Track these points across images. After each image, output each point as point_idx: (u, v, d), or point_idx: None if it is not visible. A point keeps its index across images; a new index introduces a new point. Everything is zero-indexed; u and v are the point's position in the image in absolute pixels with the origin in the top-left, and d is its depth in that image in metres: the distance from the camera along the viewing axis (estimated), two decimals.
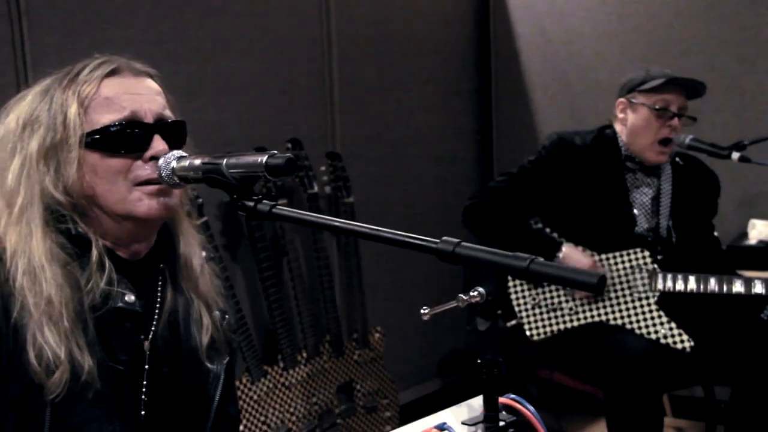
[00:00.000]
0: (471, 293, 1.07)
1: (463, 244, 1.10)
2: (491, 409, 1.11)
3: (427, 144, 4.07)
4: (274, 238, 3.20)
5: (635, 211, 2.92)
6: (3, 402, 1.32)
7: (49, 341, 1.30)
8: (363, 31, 3.72)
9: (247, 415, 2.90)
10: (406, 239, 1.15)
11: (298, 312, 3.20)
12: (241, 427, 2.87)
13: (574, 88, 4.10)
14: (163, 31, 2.89)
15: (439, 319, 3.92)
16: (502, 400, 1.15)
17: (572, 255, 2.83)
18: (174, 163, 1.36)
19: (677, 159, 3.00)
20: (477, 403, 1.17)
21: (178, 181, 1.36)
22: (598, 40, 4.03)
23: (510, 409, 1.16)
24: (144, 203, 1.38)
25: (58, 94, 1.39)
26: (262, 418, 2.95)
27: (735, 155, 2.87)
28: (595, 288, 1.01)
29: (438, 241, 1.12)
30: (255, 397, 2.94)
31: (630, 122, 2.91)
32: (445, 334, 4.10)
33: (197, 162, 1.33)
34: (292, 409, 3.06)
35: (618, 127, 2.96)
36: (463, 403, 1.19)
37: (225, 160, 1.29)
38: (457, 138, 4.30)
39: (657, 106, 2.84)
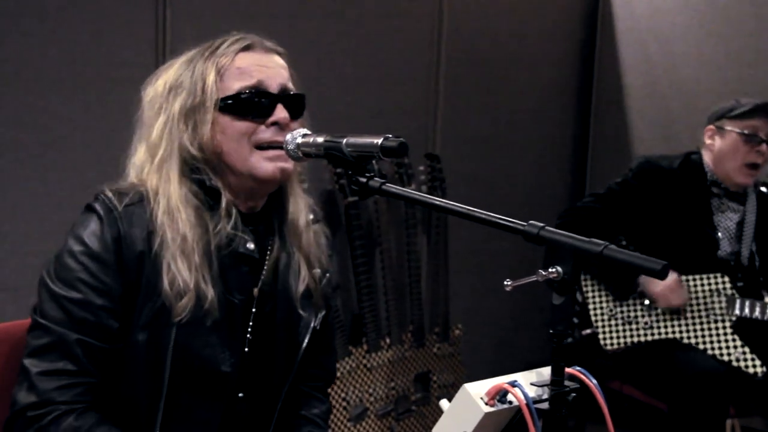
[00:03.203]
0: (549, 270, 1.22)
1: (547, 228, 1.26)
2: (558, 375, 1.26)
3: (523, 154, 4.19)
4: (370, 228, 3.38)
5: (719, 234, 2.99)
6: (138, 321, 1.54)
7: (181, 271, 1.52)
8: (472, 40, 3.87)
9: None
10: (498, 220, 1.30)
11: (386, 301, 3.39)
12: None
13: (672, 114, 4.15)
14: (282, 30, 3.11)
15: (519, 325, 4.04)
16: (568, 370, 1.29)
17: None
18: (299, 139, 1.54)
19: (762, 188, 3.06)
20: (546, 371, 1.31)
21: (301, 155, 1.55)
22: (700, 68, 4.08)
23: (574, 379, 1.30)
24: (263, 165, 1.58)
25: (199, 64, 1.61)
26: (343, 395, 3.14)
27: None
28: (659, 273, 1.15)
29: (526, 224, 1.28)
30: (338, 374, 3.13)
31: (717, 148, 2.99)
32: (523, 341, 4.22)
33: (320, 139, 1.51)
34: (371, 390, 3.24)
35: (705, 153, 3.04)
36: (534, 370, 1.34)
37: (345, 140, 1.47)
38: (553, 152, 4.41)
39: (746, 132, 2.92)
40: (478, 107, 3.94)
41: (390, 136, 1.42)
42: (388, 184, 1.43)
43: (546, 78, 4.29)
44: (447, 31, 3.72)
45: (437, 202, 1.39)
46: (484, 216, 1.32)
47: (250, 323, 1.65)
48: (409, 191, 1.43)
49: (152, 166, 1.58)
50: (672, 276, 2.91)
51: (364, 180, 1.44)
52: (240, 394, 1.64)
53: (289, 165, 1.60)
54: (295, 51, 3.17)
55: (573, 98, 4.47)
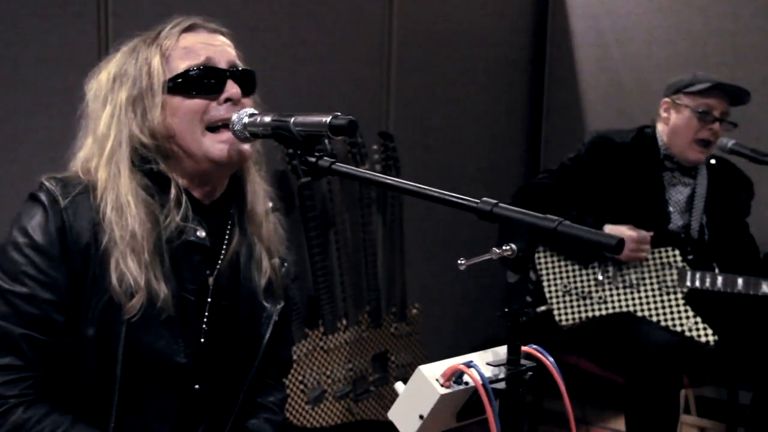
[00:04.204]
0: (504, 247, 1.20)
1: (501, 204, 1.24)
2: (514, 354, 1.24)
3: (477, 131, 4.19)
4: (324, 209, 3.35)
5: (670, 208, 3.02)
6: (86, 315, 1.50)
7: (131, 269, 1.48)
8: (424, 16, 3.84)
9: None
10: (451, 198, 1.28)
11: (341, 282, 3.36)
12: None
13: (625, 88, 4.18)
14: (233, 9, 3.05)
15: (476, 303, 4.05)
16: (524, 348, 1.28)
17: (615, 229, 2.92)
18: (246, 119, 1.51)
19: (712, 162, 3.10)
20: (502, 350, 1.30)
21: (248, 135, 1.51)
22: (652, 42, 4.10)
23: (530, 357, 1.29)
24: (218, 147, 1.54)
25: (143, 50, 1.57)
26: (300, 378, 3.12)
27: None
28: (614, 248, 1.14)
29: (479, 201, 1.26)
30: (295, 358, 3.10)
31: (672, 122, 3.02)
32: (480, 319, 4.23)
33: (267, 119, 1.48)
34: (328, 372, 3.22)
35: (660, 126, 3.07)
36: (489, 350, 1.32)
37: (293, 119, 1.44)
38: (507, 129, 4.42)
39: (700, 110, 2.95)
40: (431, 84, 3.91)
41: (339, 114, 1.40)
42: (338, 164, 1.41)
43: (498, 54, 4.28)
44: (398, 8, 3.69)
45: (390, 181, 1.37)
46: (437, 194, 1.30)
47: (206, 314, 1.61)
48: (361, 170, 1.41)
49: (101, 160, 1.54)
50: (631, 234, 2.90)
51: (313, 160, 1.42)
52: (196, 386, 1.61)
53: (245, 146, 1.56)
54: (245, 29, 3.12)
55: (525, 74, 4.48)
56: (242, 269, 1.65)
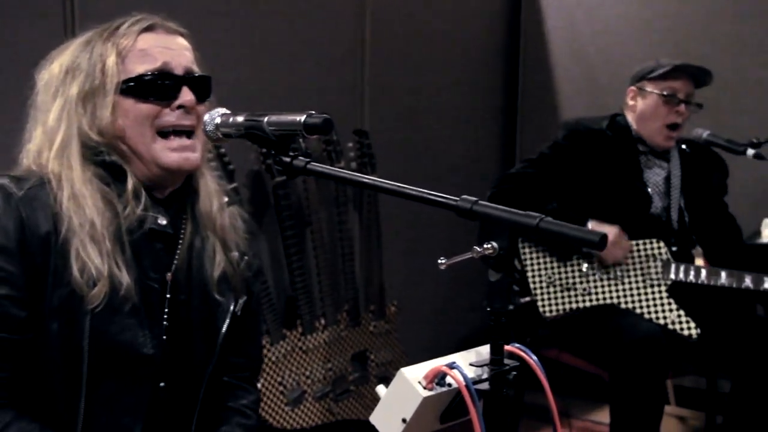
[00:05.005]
0: (485, 246, 1.18)
1: (480, 202, 1.21)
2: (497, 354, 1.22)
3: (452, 125, 4.17)
4: (300, 208, 3.31)
5: (649, 189, 3.04)
6: (48, 310, 1.47)
7: (92, 258, 1.46)
8: (397, 12, 3.81)
9: (264, 374, 3.03)
10: (430, 196, 1.25)
11: (319, 281, 3.32)
12: (258, 386, 2.99)
13: (599, 78, 4.18)
14: (205, 5, 3.00)
15: (454, 300, 4.03)
16: (507, 347, 1.25)
17: (598, 226, 2.92)
18: (218, 119, 1.47)
19: (683, 146, 3.12)
20: (484, 350, 1.28)
21: (221, 135, 1.48)
22: (626, 34, 4.10)
23: (514, 357, 1.27)
24: (168, 155, 1.54)
25: (98, 45, 1.54)
26: (279, 379, 3.08)
27: (750, 152, 2.96)
28: (596, 245, 1.12)
29: (458, 199, 1.23)
30: (273, 359, 3.06)
31: (639, 109, 3.06)
32: (460, 314, 4.22)
33: (240, 119, 1.45)
34: (307, 373, 3.19)
35: (628, 114, 3.11)
36: (472, 350, 1.30)
37: (266, 118, 1.40)
38: (482, 122, 4.40)
39: (665, 93, 2.98)
40: (405, 81, 3.89)
41: (313, 112, 1.37)
42: (313, 163, 1.38)
43: (471, 47, 4.26)
44: (372, 5, 3.65)
45: (366, 180, 1.34)
46: (414, 192, 1.27)
47: (166, 310, 1.60)
48: (337, 169, 1.38)
49: (51, 153, 1.52)
50: (612, 231, 2.90)
51: (288, 159, 1.39)
52: (161, 384, 1.59)
53: (195, 155, 1.56)
54: (217, 27, 3.08)
55: (500, 67, 4.46)
56: (194, 262, 1.64)
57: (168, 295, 1.59)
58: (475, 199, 1.21)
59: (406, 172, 3.83)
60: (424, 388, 1.20)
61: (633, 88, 3.09)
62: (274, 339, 3.08)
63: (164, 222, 1.57)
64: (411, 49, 3.90)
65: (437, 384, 1.21)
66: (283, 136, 1.39)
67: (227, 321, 1.67)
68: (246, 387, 1.79)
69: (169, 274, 1.60)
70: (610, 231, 2.89)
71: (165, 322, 1.59)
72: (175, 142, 1.54)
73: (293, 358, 3.15)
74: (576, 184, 3.04)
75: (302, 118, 1.36)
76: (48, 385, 1.50)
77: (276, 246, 3.28)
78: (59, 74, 1.55)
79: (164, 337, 1.58)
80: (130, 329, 1.51)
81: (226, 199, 1.71)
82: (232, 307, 1.67)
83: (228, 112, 1.49)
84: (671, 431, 3.83)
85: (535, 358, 1.27)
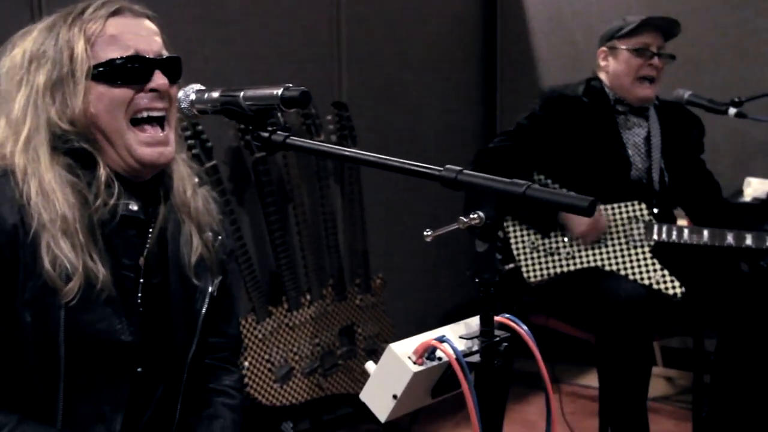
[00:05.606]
0: (471, 216, 1.15)
1: (465, 171, 1.19)
2: (487, 325, 1.20)
3: (432, 96, 4.13)
4: (281, 184, 3.28)
5: (629, 151, 3.03)
6: (20, 300, 1.44)
7: (66, 253, 1.43)
8: None
9: (251, 353, 3.01)
10: (413, 167, 1.23)
11: (303, 256, 3.30)
12: (246, 364, 2.98)
13: (578, 45, 4.15)
14: None
15: (440, 270, 4.02)
16: (497, 318, 1.24)
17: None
18: (193, 96, 1.44)
19: (656, 103, 3.11)
20: (474, 322, 1.26)
21: (196, 112, 1.44)
22: None
23: (504, 327, 1.25)
24: (142, 150, 1.50)
25: (63, 31, 1.49)
26: (267, 356, 3.06)
27: (732, 111, 2.94)
28: (585, 210, 1.09)
29: (442, 169, 1.20)
30: (260, 336, 3.04)
31: (612, 69, 3.05)
32: (445, 285, 4.21)
33: (215, 94, 1.41)
34: (295, 349, 3.17)
35: (602, 75, 3.10)
36: (461, 322, 1.28)
37: (242, 93, 1.37)
38: (463, 91, 4.36)
39: (636, 47, 2.99)
40: (382, 50, 3.84)
41: (290, 85, 1.34)
42: (293, 137, 1.35)
43: (449, 16, 4.22)
44: None
45: (347, 153, 1.31)
46: (397, 164, 1.25)
47: (139, 295, 1.57)
48: (317, 143, 1.36)
49: (17, 145, 1.47)
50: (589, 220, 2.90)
51: (266, 135, 1.36)
52: (139, 369, 1.56)
53: (169, 149, 1.54)
54: (192, 2, 3.01)
55: (478, 35, 4.42)
56: (170, 246, 1.61)
57: (141, 280, 1.57)
58: (459, 168, 1.19)
59: (387, 143, 3.80)
60: (414, 363, 1.18)
61: (603, 48, 3.08)
62: (260, 316, 3.06)
63: (135, 207, 1.54)
64: (387, 19, 3.85)
65: (427, 358, 1.19)
66: (261, 111, 1.36)
67: (206, 303, 1.65)
68: (227, 367, 1.78)
69: (141, 259, 1.57)
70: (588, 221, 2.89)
71: (140, 308, 1.56)
72: (148, 133, 1.51)
73: (280, 335, 3.13)
74: (555, 153, 3.02)
75: (279, 91, 1.33)
76: (25, 376, 1.47)
77: (258, 222, 3.25)
78: (23, 62, 1.49)
79: (141, 322, 1.55)
80: (106, 318, 1.49)
81: (196, 180, 1.68)
82: (210, 289, 1.66)
83: (203, 87, 1.46)
84: (659, 392, 3.86)
85: (525, 328, 1.25)
